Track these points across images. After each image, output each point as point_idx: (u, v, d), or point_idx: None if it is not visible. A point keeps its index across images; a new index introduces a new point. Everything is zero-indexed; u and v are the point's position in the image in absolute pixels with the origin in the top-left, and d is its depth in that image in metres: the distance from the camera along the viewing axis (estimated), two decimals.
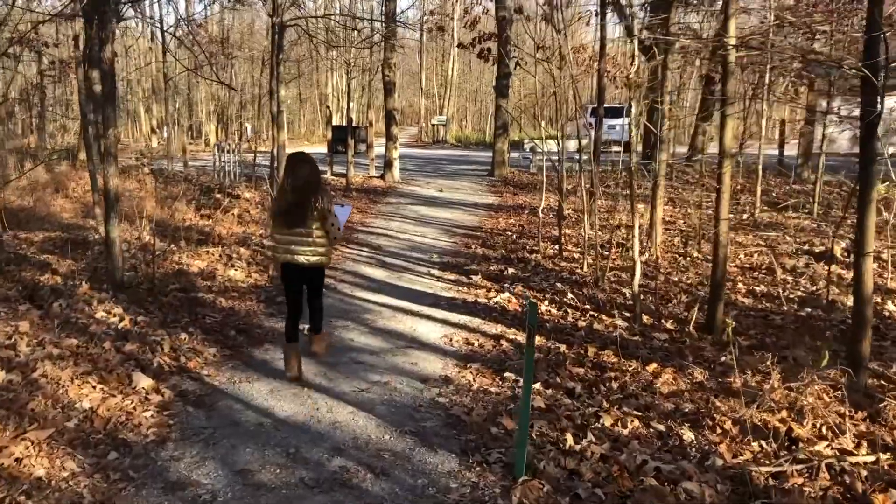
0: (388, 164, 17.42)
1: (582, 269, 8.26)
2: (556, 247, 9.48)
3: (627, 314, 6.44)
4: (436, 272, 8.27)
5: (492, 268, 8.42)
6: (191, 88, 38.42)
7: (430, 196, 15.19)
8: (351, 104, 34.34)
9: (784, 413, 4.16)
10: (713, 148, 20.71)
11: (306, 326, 5.72)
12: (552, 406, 4.41)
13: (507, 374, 4.97)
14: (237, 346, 5.57)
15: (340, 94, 40.83)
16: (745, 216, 11.90)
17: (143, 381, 4.66)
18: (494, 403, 4.51)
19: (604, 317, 6.36)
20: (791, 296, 7.08)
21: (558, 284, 7.52)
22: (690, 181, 16.05)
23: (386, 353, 5.48)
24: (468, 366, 5.19)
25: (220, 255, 8.67)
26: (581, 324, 6.18)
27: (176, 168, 19.17)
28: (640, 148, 19.33)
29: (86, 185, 14.10)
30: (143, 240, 9.37)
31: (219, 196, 13.94)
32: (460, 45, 15.15)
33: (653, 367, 5.06)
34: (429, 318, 6.45)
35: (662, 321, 6.23)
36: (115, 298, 6.53)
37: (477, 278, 7.85)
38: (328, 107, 32.97)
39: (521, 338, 5.84)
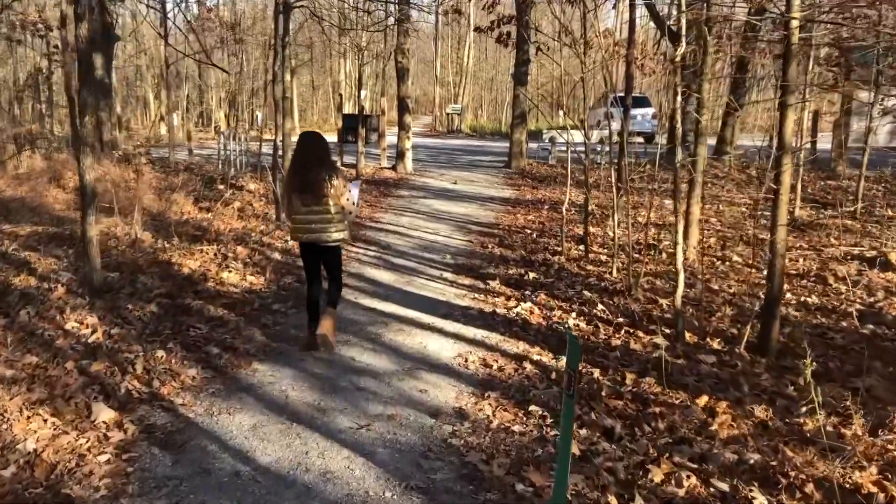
0: (400, 155, 16.67)
1: (611, 273, 7.49)
2: (582, 248, 8.71)
3: (667, 330, 5.68)
4: (449, 276, 7.53)
5: (511, 271, 7.66)
6: (201, 75, 37.80)
7: (444, 189, 14.42)
8: (363, 92, 33.58)
9: (874, 469, 3.40)
10: (742, 141, 19.78)
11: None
12: (588, 453, 3.66)
13: (532, 408, 4.22)
14: (221, 367, 4.85)
15: (353, 82, 40.04)
16: None
17: (104, 414, 3.95)
18: (518, 448, 3.76)
19: (640, 333, 5.59)
20: (849, 309, 6.28)
21: (586, 292, 6.76)
22: (719, 175, 15.20)
23: (391, 377, 4.75)
24: (486, 395, 4.45)
25: (216, 254, 7.97)
26: (615, 342, 5.42)
27: (180, 156, 18.50)
28: (664, 140, 18.47)
29: None
30: (134, 236, 8.68)
31: (221, 187, 13.26)
32: (477, 30, 14.35)
33: (704, 399, 4.30)
34: (441, 331, 5.70)
35: (708, 339, 5.46)
36: (90, 306, 5.84)
37: (495, 284, 7.10)
38: (340, 94, 32.21)
39: (547, 359, 5.09)
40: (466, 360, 5.06)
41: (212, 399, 4.35)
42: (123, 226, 9.24)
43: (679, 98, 6.03)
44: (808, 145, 13.10)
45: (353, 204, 5.11)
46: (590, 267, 7.83)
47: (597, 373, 4.76)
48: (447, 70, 47.56)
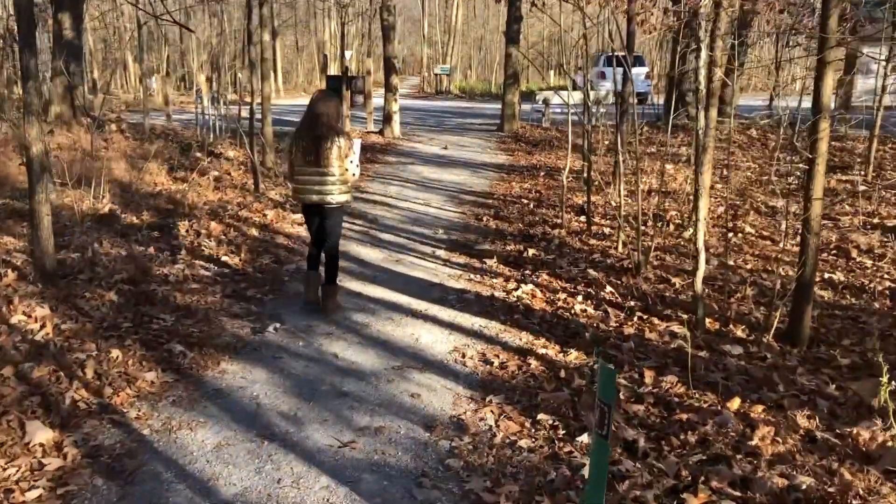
0: (387, 118, 15.93)
1: (616, 248, 6.92)
2: (583, 219, 8.13)
3: (683, 314, 5.13)
4: (442, 253, 6.93)
5: (508, 247, 7.07)
6: (182, 37, 36.58)
7: (434, 154, 13.75)
8: (349, 52, 32.56)
9: None
10: (742, 101, 19.08)
11: (276, 325, 4.95)
12: (611, 476, 3.12)
13: (540, 416, 3.66)
14: (185, 368, 4.26)
15: (338, 42, 38.90)
16: (790, 179, 10.50)
17: (41, 434, 3.37)
18: (528, 469, 3.21)
19: (655, 320, 5.04)
20: (879, 287, 5.75)
21: (591, 271, 6.18)
22: (720, 138, 14.57)
23: (379, 378, 4.18)
24: (487, 399, 3.89)
25: (187, 231, 7.33)
26: (628, 330, 4.86)
27: (158, 122, 17.68)
28: (659, 100, 17.81)
29: (52, 144, 12.71)
30: (100, 211, 8.02)
31: (199, 155, 12.54)
32: None
33: (736, 403, 3.76)
34: (434, 320, 5.13)
35: (731, 326, 4.91)
36: (42, 294, 5.22)
37: (492, 262, 6.52)
38: (325, 54, 31.18)
39: (554, 352, 4.53)
40: (464, 356, 4.49)
41: (171, 410, 3.76)
42: (91, 200, 8.57)
43: (703, 55, 5.37)
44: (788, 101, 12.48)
45: (357, 165, 5.11)
46: (593, 241, 7.26)
47: None
48: (435, 29, 46.40)
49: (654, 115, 16.00)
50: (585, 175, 10.08)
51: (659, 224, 7.58)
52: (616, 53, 23.97)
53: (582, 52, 9.08)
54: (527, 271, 6.23)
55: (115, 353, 4.31)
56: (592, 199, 9.26)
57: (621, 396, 3.86)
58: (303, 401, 3.89)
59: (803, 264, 4.58)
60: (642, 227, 7.38)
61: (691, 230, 7.44)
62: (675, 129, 15.71)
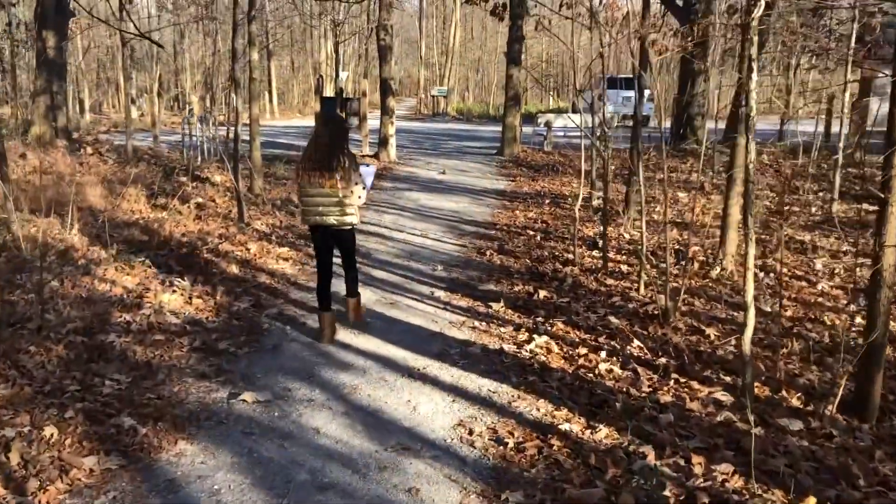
0: (383, 142, 15.27)
1: (637, 290, 6.20)
2: (596, 254, 7.43)
3: (726, 376, 4.41)
4: (442, 294, 6.21)
5: (516, 288, 6.35)
6: (176, 56, 36.04)
7: (431, 180, 13.06)
8: (344, 73, 32.02)
9: None
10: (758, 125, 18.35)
11: (246, 398, 3.79)
12: None
13: None
14: (134, 450, 3.51)
15: (333, 63, 38.44)
16: (813, 210, 9.83)
17: None
18: None
19: (694, 384, 4.30)
20: None
21: (612, 318, 5.46)
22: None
23: (370, 465, 3.43)
24: (503, 499, 3.14)
25: (160, 267, 6.60)
26: (664, 397, 4.12)
27: (144, 143, 17.00)
28: (658, 123, 17.21)
29: (26, 168, 12.01)
30: (67, 243, 7.29)
31: (183, 179, 11.84)
32: (468, 1, 12.92)
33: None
34: (435, 382, 4.39)
35: (783, 391, 4.19)
36: None
37: (498, 306, 5.79)
38: (320, 76, 30.62)
39: (579, 427, 3.79)
40: (471, 433, 3.75)
41: None
42: (59, 230, 7.84)
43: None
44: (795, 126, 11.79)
45: (365, 189, 5.07)
46: (610, 281, 6.54)
47: (651, 455, 3.46)
48: (432, 51, 46.02)
49: (666, 139, 15.39)
50: (600, 205, 9.41)
51: (682, 262, 6.87)
52: (617, 76, 23.35)
53: (593, 72, 8.41)
54: (539, 318, 5.51)
55: (50, 430, 3.56)
56: (599, 229, 8.58)
57: (667, 494, 3.12)
58: (274, 496, 3.14)
59: (872, 322, 3.87)
60: (662, 265, 6.69)
61: (719, 269, 6.76)
62: (683, 153, 15.09)
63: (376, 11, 14.89)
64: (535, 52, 41.47)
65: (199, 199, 10.48)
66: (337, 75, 14.35)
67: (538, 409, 4.00)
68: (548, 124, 16.44)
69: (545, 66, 42.50)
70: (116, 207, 9.52)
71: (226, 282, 6.33)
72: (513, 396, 4.17)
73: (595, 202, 10.50)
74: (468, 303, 5.97)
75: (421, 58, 41.48)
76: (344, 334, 5.21)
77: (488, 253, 7.61)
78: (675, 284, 6.02)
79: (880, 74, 13.18)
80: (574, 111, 30.62)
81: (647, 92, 27.52)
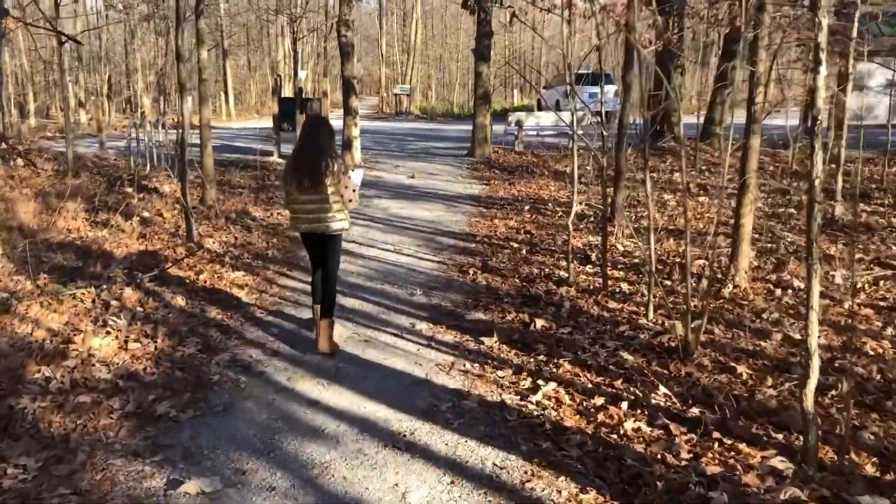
0: (346, 144, 14.32)
1: (646, 314, 5.44)
2: (590, 269, 6.67)
3: (776, 433, 3.65)
4: (424, 327, 5.36)
5: (509, 316, 5.54)
6: (127, 55, 34.50)
7: (401, 185, 12.19)
8: (303, 72, 30.92)
9: None
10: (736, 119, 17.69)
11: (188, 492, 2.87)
12: None
13: None
14: None
15: (292, 62, 37.26)
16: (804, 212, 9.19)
17: None
18: None
19: (743, 446, 3.53)
20: None
21: (625, 354, 4.68)
22: (713, 161, 13.31)
23: None
24: None
25: (94, 303, 5.65)
26: (710, 467, 3.34)
27: (89, 150, 15.83)
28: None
29: None
30: None
31: (129, 190, 10.81)
32: None
33: None
34: (425, 454, 3.55)
35: (852, 454, 3.44)
36: None
37: (491, 341, 4.97)
38: (278, 75, 29.43)
39: None
40: None
41: None
42: None
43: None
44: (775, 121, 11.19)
45: (353, 191, 4.87)
46: (612, 304, 5.77)
47: None
48: (393, 48, 45.05)
49: (635, 136, 14.72)
50: (582, 210, 8.66)
51: (695, 280, 6.14)
52: (583, 71, 22.52)
53: (571, 68, 7.63)
54: (540, 356, 4.70)
55: None
56: (590, 240, 7.81)
57: None
58: None
59: None
60: (667, 282, 5.97)
61: (731, 286, 6.03)
62: (661, 151, 14.44)
63: (335, 7, 13.93)
64: (498, 48, 40.76)
65: (146, 214, 9.49)
66: (295, 74, 13.36)
67: (560, 492, 3.18)
68: (519, 123, 15.68)
69: (510, 61, 41.79)
70: (51, 226, 8.50)
71: (170, 318, 5.40)
72: (525, 473, 3.34)
73: (576, 208, 9.75)
74: (455, 337, 5.14)
75: (382, 56, 40.48)
76: (311, 386, 4.34)
77: (471, 271, 6.79)
78: (688, 305, 5.28)
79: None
80: (539, 108, 29.97)
81: (612, 88, 26.95)
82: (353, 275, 6.73)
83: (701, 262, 6.72)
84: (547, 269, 6.81)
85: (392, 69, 44.30)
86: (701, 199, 10.06)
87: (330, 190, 4.73)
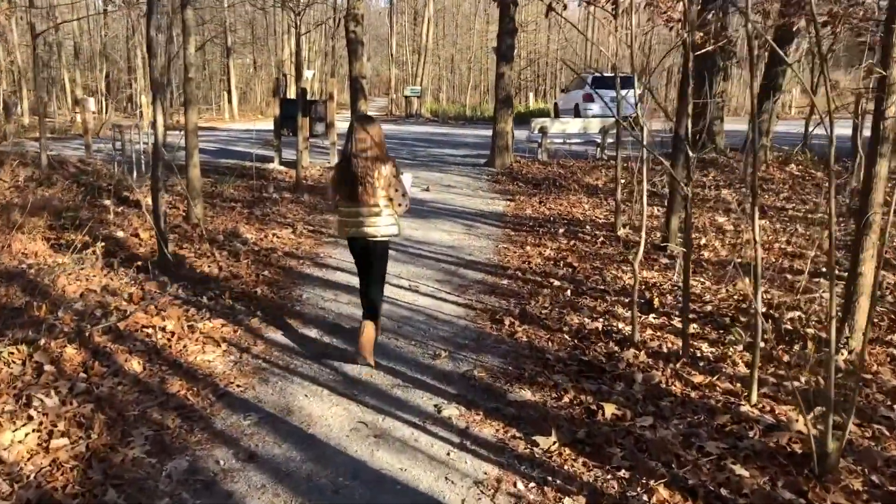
0: None
1: (747, 396, 4.09)
2: (655, 318, 5.31)
3: None
4: (453, 413, 4.01)
5: (565, 397, 4.17)
6: (129, 52, 33.26)
7: (413, 199, 10.81)
8: (309, 72, 29.62)
9: None
10: (778, 127, 16.11)
11: None
12: None
13: None
14: None
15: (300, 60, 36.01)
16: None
17: None
18: None
19: None
20: None
21: (737, 469, 3.33)
22: (763, 177, 11.92)
23: None
24: None
25: (24, 366, 4.34)
26: None
27: (76, 154, 14.57)
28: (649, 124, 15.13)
29: None
30: None
31: (108, 203, 9.52)
32: None
33: None
34: None
35: None
36: None
37: (548, 443, 3.62)
38: (284, 74, 28.13)
39: None
40: None
41: None
42: None
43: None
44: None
45: (403, 195, 4.64)
46: (696, 376, 4.42)
47: None
48: (403, 48, 43.76)
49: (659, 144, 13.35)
50: (627, 235, 7.29)
51: (797, 343, 4.79)
52: (605, 74, 20.91)
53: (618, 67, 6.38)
54: (621, 470, 3.36)
55: None
56: (642, 275, 6.44)
57: None
58: None
59: None
60: (760, 343, 4.61)
61: (845, 353, 4.67)
62: (703, 164, 13.06)
63: (343, 0, 12.66)
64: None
65: (120, 234, 8.20)
66: (298, 75, 12.06)
67: None
68: (543, 130, 14.32)
69: (525, 63, 40.46)
70: (3, 250, 7.21)
71: (118, 394, 4.09)
72: None
73: (620, 231, 8.41)
74: (497, 430, 3.79)
75: (392, 55, 39.18)
76: None
77: (507, 321, 5.44)
78: (799, 383, 3.94)
79: None
80: (556, 113, 28.59)
81: (634, 91, 25.57)
82: (358, 323, 5.39)
83: (795, 313, 5.36)
84: (601, 319, 5.46)
85: (402, 70, 43.03)
86: (761, 222, 8.69)
87: (381, 194, 4.52)
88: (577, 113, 24.55)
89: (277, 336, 5.13)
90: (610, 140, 14.78)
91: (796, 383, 4.26)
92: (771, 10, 12.20)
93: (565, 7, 8.48)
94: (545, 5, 8.78)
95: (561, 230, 8.56)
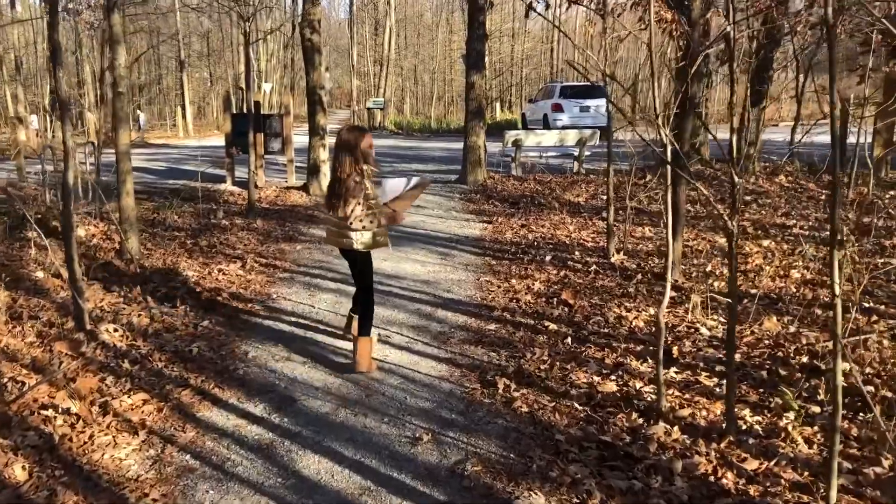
0: (313, 170, 11.96)
1: (825, 492, 3.13)
2: (680, 375, 4.35)
3: None
4: None
5: (591, 502, 3.19)
6: (78, 64, 31.65)
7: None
8: (266, 84, 28.43)
9: None
10: (765, 135, 15.29)
11: None
12: None
13: None
14: None
15: (256, 74, 34.72)
16: (880, 261, 6.98)
17: None
18: None
19: None
20: None
21: None
22: (753, 189, 11.13)
23: None
24: None
25: None
26: None
27: (7, 177, 13.27)
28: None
29: None
30: None
31: (32, 235, 8.33)
32: None
33: None
34: None
35: None
36: None
37: None
38: (240, 87, 26.88)
39: None
40: None
41: None
42: None
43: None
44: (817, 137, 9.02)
45: (369, 214, 4.50)
46: (750, 461, 3.46)
47: None
48: (364, 59, 42.75)
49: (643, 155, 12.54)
50: (621, 261, 6.32)
51: (859, 406, 3.86)
52: (574, 83, 20.02)
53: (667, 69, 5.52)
54: None
55: None
56: (650, 313, 5.47)
57: None
58: None
59: None
60: (839, 422, 3.69)
61: None
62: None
63: (297, 4, 11.62)
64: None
65: (39, 274, 7.04)
66: (248, 87, 10.97)
67: None
68: (517, 143, 13.41)
69: (488, 73, 39.66)
70: None
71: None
72: None
73: (614, 258, 7.49)
74: None
75: (353, 67, 38.10)
76: None
77: (501, 384, 4.43)
78: (882, 469, 3.01)
79: None
80: (524, 124, 27.79)
81: (604, 101, 24.90)
82: (317, 395, 4.34)
83: (845, 365, 4.45)
84: (613, 377, 4.49)
85: (364, 81, 41.99)
86: (765, 243, 7.85)
87: (350, 206, 4.43)
88: (546, 124, 23.76)
89: (213, 415, 4.05)
90: (587, 153, 13.92)
91: (877, 469, 3.34)
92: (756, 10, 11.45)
93: (548, 7, 7.56)
94: (523, 7, 7.86)
95: (548, 257, 7.60)
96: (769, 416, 3.93)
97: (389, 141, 25.41)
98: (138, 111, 30.57)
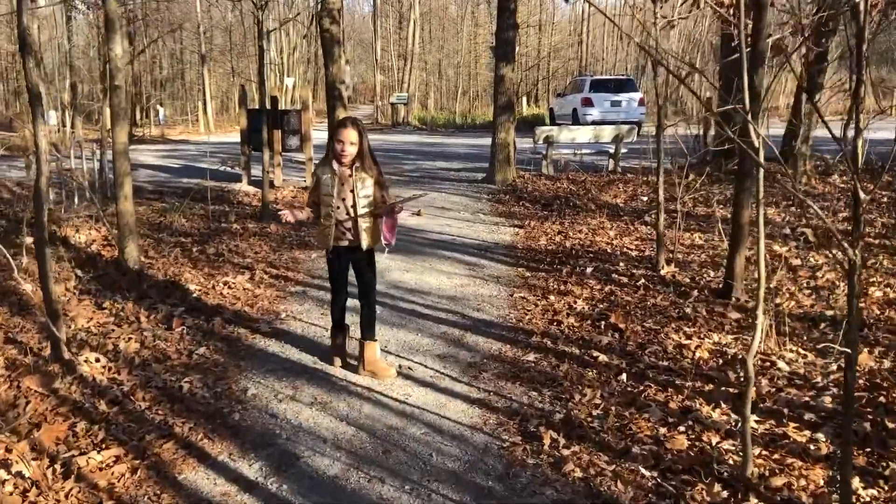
0: None
1: None
2: (762, 426, 3.55)
3: None
4: None
5: None
6: (101, 58, 31.31)
7: (402, 226, 9.07)
8: (289, 78, 27.83)
9: None
10: (819, 131, 14.22)
11: None
12: None
13: None
14: None
15: (276, 68, 34.18)
16: None
17: None
18: None
19: None
20: None
21: None
22: (809, 192, 10.24)
23: None
24: None
25: None
26: None
27: (15, 175, 12.76)
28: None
29: None
30: None
31: (27, 241, 7.71)
32: None
33: None
34: None
35: None
36: None
37: None
38: (253, 81, 26.30)
39: None
40: None
41: None
42: None
43: None
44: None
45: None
46: None
47: None
48: (388, 53, 42.04)
49: (701, 157, 11.65)
50: (671, 274, 5.52)
51: None
52: (605, 77, 19.02)
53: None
54: None
55: None
56: (714, 340, 4.67)
57: None
58: None
59: None
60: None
61: None
62: (732, 175, 11.35)
63: None
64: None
65: (28, 286, 6.39)
66: (262, 81, 10.32)
67: None
68: (548, 140, 12.60)
69: (527, 66, 38.76)
70: None
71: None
72: None
73: (664, 270, 6.68)
74: None
75: (377, 61, 37.39)
76: None
77: (546, 439, 3.65)
78: None
79: None
80: (552, 119, 26.86)
81: (638, 95, 23.88)
82: (326, 449, 3.61)
83: None
84: (682, 428, 3.70)
85: (388, 76, 41.29)
86: (833, 253, 6.97)
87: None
88: (575, 119, 22.92)
89: (198, 479, 3.33)
90: (624, 150, 13.07)
91: None
92: None
93: None
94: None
95: (589, 269, 6.81)
96: (886, 489, 3.13)
97: (413, 137, 24.67)
98: (158, 106, 30.16)
